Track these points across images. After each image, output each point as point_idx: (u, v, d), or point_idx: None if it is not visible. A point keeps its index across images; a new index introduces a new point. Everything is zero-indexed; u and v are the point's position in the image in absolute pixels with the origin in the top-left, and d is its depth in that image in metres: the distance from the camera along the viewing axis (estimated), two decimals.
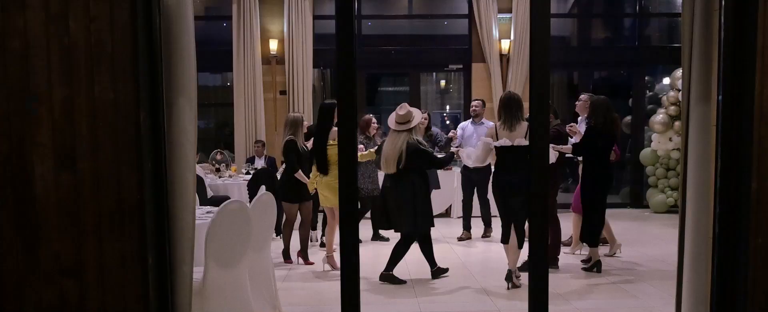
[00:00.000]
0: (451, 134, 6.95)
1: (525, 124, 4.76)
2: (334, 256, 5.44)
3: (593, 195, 5.35)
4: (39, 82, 2.39)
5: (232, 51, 9.20)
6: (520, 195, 4.73)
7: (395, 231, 5.19)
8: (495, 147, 4.91)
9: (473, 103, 6.97)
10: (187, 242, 2.59)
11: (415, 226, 5.02)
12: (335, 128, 5.10)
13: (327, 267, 5.56)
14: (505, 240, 4.96)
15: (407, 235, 5.10)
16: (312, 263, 5.80)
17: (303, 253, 5.85)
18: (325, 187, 5.50)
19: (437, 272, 5.26)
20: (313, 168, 5.58)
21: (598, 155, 5.28)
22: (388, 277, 5.10)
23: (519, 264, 5.16)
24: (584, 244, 5.64)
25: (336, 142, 4.98)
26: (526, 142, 4.68)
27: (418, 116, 5.03)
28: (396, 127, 5.00)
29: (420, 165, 5.00)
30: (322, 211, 6.19)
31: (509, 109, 4.83)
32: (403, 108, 5.01)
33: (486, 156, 5.03)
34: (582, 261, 5.67)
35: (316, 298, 4.75)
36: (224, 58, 9.29)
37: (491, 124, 6.75)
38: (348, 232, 2.90)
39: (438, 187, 7.13)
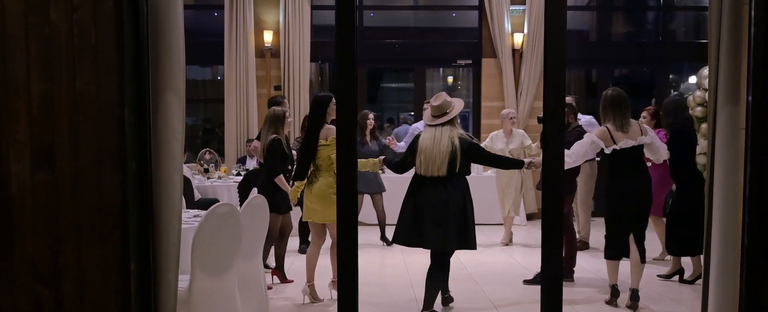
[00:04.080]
0: (387, 140, 7.15)
1: (635, 123, 4.75)
2: (315, 285, 4.92)
3: (688, 198, 5.37)
4: (17, 75, 2.39)
5: (223, 43, 9.23)
6: (646, 200, 4.71)
7: (437, 249, 4.47)
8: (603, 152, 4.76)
9: (427, 104, 6.83)
10: (172, 248, 2.60)
11: (466, 243, 4.39)
12: (329, 126, 4.77)
13: (307, 300, 4.89)
14: (616, 255, 4.69)
15: (447, 256, 4.53)
16: (291, 281, 5.47)
17: (280, 270, 5.51)
18: (315, 198, 4.76)
19: (449, 299, 4.84)
20: None
21: (684, 157, 5.38)
22: None
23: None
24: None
25: (328, 142, 4.79)
26: (647, 140, 4.70)
27: (458, 106, 4.52)
28: (432, 121, 4.48)
29: (482, 163, 4.71)
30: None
31: (619, 108, 4.69)
32: (438, 98, 4.47)
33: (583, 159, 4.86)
34: (659, 276, 5.64)
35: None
36: (215, 50, 9.31)
37: None
38: (348, 247, 2.84)
39: (384, 190, 7.16)
